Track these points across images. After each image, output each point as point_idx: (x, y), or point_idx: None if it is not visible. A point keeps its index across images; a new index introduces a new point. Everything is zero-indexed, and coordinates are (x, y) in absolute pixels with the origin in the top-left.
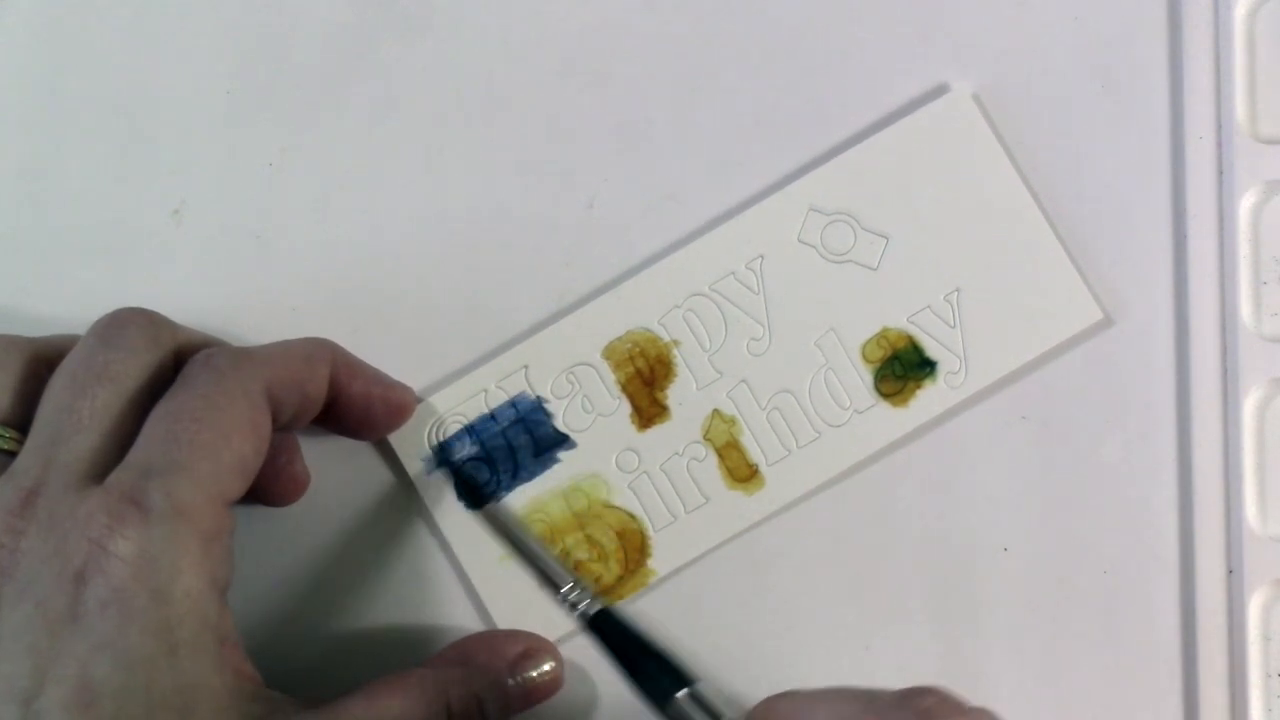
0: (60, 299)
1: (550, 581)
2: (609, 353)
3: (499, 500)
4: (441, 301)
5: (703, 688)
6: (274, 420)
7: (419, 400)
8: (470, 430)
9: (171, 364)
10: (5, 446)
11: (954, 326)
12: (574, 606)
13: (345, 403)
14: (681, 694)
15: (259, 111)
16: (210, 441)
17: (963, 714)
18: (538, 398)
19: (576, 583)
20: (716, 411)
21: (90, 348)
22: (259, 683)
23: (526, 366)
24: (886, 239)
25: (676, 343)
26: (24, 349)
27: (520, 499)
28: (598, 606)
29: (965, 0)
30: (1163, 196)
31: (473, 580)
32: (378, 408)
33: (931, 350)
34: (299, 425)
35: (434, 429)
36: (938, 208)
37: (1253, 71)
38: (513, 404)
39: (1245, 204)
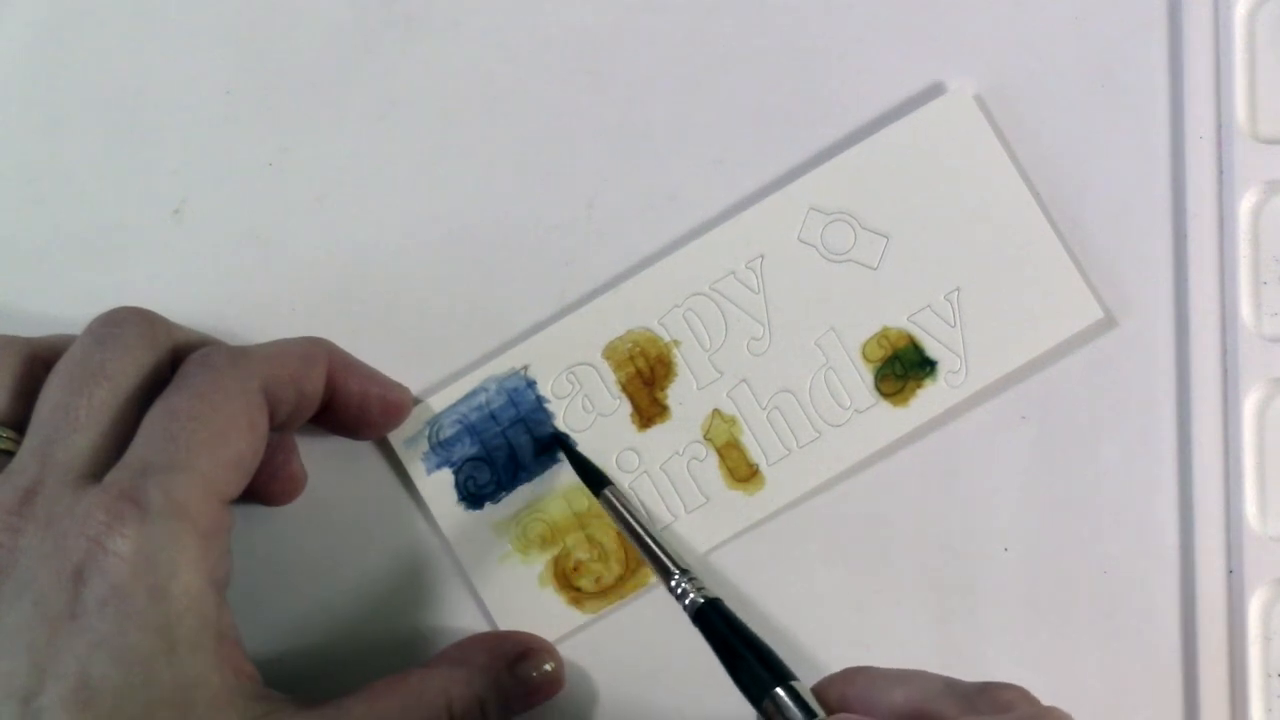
0: (60, 299)
1: (662, 570)
2: (609, 352)
3: (497, 500)
4: (441, 301)
5: (800, 686)
6: (271, 419)
7: (416, 400)
8: (471, 430)
9: (168, 363)
10: (3, 446)
11: (954, 326)
12: (682, 597)
13: (342, 402)
14: (779, 690)
15: (259, 111)
16: (208, 440)
17: (1044, 711)
18: (538, 397)
19: (685, 573)
20: (717, 411)
21: (86, 347)
22: (258, 681)
23: (527, 366)
24: (887, 238)
25: (677, 342)
26: (21, 348)
27: (521, 499)
28: (704, 598)
29: (966, 1)
30: (1163, 196)
31: (473, 580)
32: (374, 406)
33: (932, 350)
34: (296, 424)
35: (434, 429)
36: (938, 207)
37: (1253, 71)
38: (513, 403)
39: (1245, 204)
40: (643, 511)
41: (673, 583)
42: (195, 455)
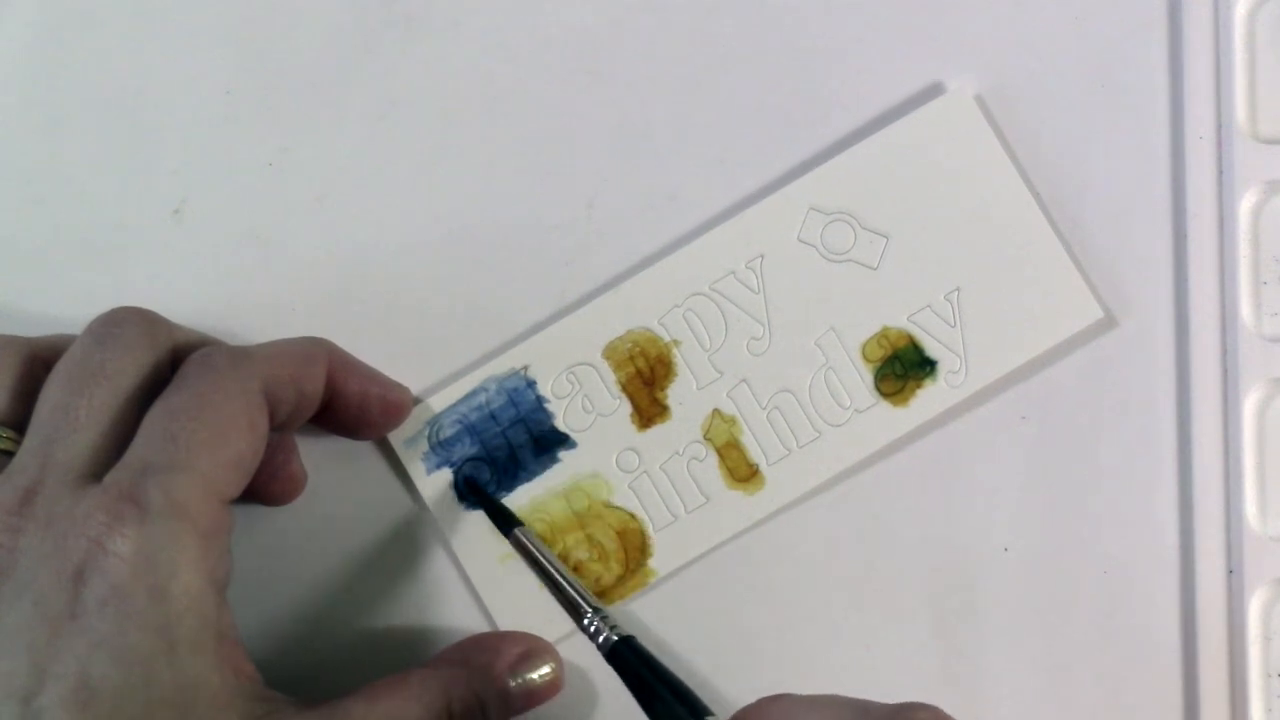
0: (60, 299)
1: (573, 609)
2: (609, 352)
3: (502, 498)
4: (442, 301)
5: None
6: (271, 419)
7: (416, 400)
8: (471, 430)
9: (168, 363)
10: (3, 446)
11: (954, 326)
12: (595, 636)
13: (342, 402)
14: None
15: (259, 111)
16: (208, 440)
17: None
18: (538, 397)
19: (598, 611)
20: (717, 411)
21: (86, 347)
22: (259, 681)
23: (527, 366)
24: (887, 238)
25: (677, 342)
26: (21, 348)
27: (521, 499)
28: (617, 637)
29: (966, 1)
30: (1163, 196)
31: (473, 580)
32: (374, 407)
33: (932, 349)
34: (296, 424)
35: (434, 429)
36: (938, 207)
37: (1253, 71)
38: (513, 404)
39: (1245, 204)
40: (552, 553)
41: (585, 621)
42: (195, 455)
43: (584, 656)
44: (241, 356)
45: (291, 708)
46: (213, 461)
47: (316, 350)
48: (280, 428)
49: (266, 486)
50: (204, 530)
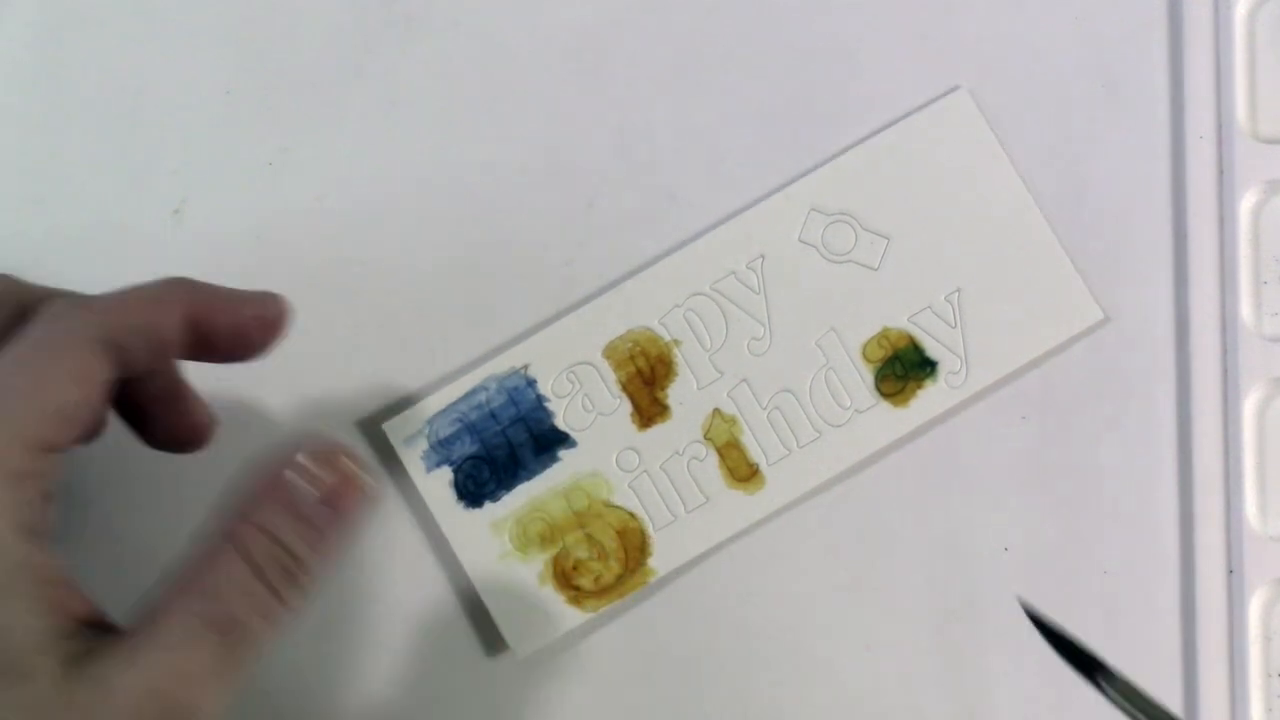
0: None
1: None
2: (610, 352)
3: (497, 500)
4: (442, 301)
5: None
6: (124, 366)
7: (416, 398)
8: (471, 429)
9: (17, 320)
10: None
11: (955, 326)
12: None
13: (218, 338)
14: None
15: (259, 111)
16: (24, 387)
17: None
18: (538, 396)
19: None
20: (717, 411)
21: None
22: (91, 620)
23: (527, 365)
24: (887, 239)
25: (677, 342)
26: None
27: (521, 498)
28: None
29: (966, 1)
30: (1163, 196)
31: (473, 579)
32: (253, 330)
33: (932, 350)
34: (160, 367)
35: (434, 427)
36: (938, 208)
37: (1253, 71)
38: (513, 402)
39: (1245, 204)
40: (1150, 695)
41: None
42: (9, 401)
43: (584, 655)
44: (82, 306)
45: (115, 647)
46: (29, 408)
47: (170, 291)
48: (149, 375)
49: (171, 435)
50: (13, 473)
